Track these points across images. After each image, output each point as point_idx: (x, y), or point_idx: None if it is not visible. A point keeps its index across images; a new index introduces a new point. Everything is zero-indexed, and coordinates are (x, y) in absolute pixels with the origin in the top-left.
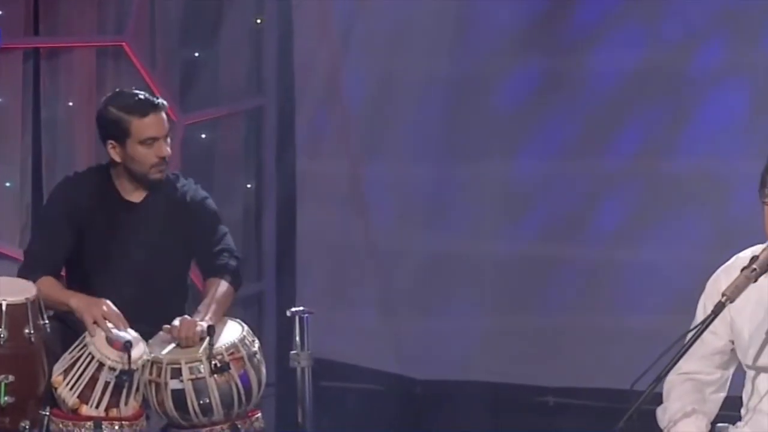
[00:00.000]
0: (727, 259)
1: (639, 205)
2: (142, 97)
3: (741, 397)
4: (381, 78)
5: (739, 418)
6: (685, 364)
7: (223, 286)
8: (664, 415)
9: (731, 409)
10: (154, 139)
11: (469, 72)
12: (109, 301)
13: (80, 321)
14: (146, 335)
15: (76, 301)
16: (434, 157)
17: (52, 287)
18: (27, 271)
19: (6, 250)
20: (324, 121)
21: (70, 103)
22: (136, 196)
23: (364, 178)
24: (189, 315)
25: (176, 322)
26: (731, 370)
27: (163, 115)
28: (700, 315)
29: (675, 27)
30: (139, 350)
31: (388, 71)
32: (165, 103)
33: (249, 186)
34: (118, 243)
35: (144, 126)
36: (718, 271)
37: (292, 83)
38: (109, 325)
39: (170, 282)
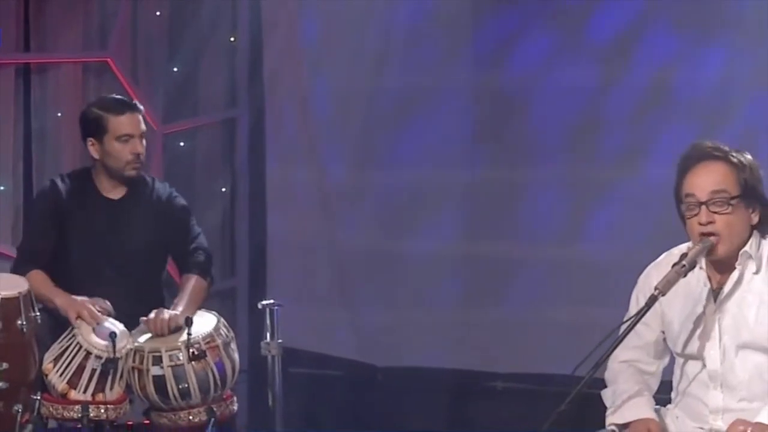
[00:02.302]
0: (657, 257)
1: (572, 210)
2: (119, 98)
3: (671, 382)
4: (343, 90)
5: (670, 401)
6: (623, 354)
7: (198, 281)
8: (613, 395)
9: (662, 392)
10: (129, 136)
11: (421, 83)
12: (88, 300)
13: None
14: (126, 325)
15: (60, 300)
16: (396, 163)
17: (40, 283)
18: (19, 266)
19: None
20: (292, 130)
21: (59, 114)
22: (115, 194)
23: (328, 183)
24: (166, 306)
25: (151, 315)
26: (666, 360)
27: (139, 116)
28: (633, 307)
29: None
30: (123, 340)
31: (350, 84)
32: (141, 107)
33: (224, 190)
34: (98, 238)
35: (120, 123)
36: (649, 267)
37: (263, 96)
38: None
39: (148, 275)
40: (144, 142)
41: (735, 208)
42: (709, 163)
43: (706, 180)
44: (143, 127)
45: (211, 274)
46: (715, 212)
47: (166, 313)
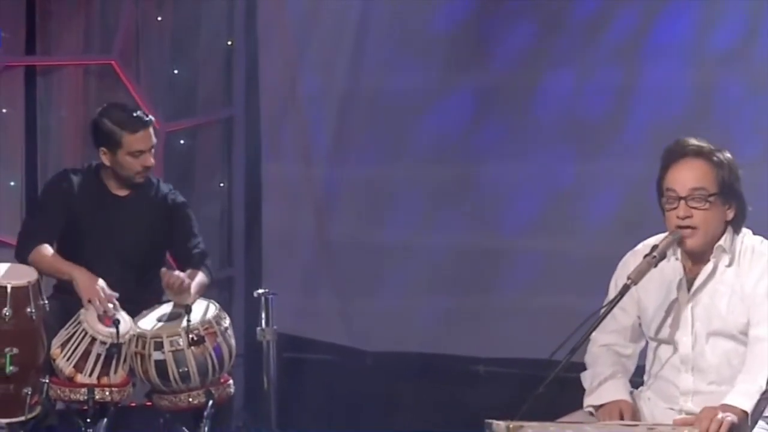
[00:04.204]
0: (633, 246)
1: (552, 202)
2: (134, 114)
3: (644, 366)
4: (334, 92)
5: (643, 384)
6: (601, 337)
7: (201, 276)
8: (591, 377)
9: (635, 375)
10: (141, 152)
11: (414, 83)
12: (104, 282)
13: (76, 297)
14: (129, 312)
15: (79, 274)
16: (386, 159)
17: (53, 256)
18: (26, 240)
19: (9, 239)
20: (285, 129)
21: (62, 114)
22: (122, 191)
23: (319, 179)
24: (165, 299)
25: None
26: (642, 344)
27: (151, 130)
28: (612, 292)
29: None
30: (126, 326)
31: (341, 86)
32: (153, 119)
33: (222, 185)
34: (105, 231)
35: (135, 140)
36: (627, 255)
37: (258, 97)
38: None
39: (150, 266)
40: (153, 151)
41: (712, 205)
42: (690, 160)
43: (687, 176)
44: (154, 140)
45: (213, 276)
46: (693, 207)
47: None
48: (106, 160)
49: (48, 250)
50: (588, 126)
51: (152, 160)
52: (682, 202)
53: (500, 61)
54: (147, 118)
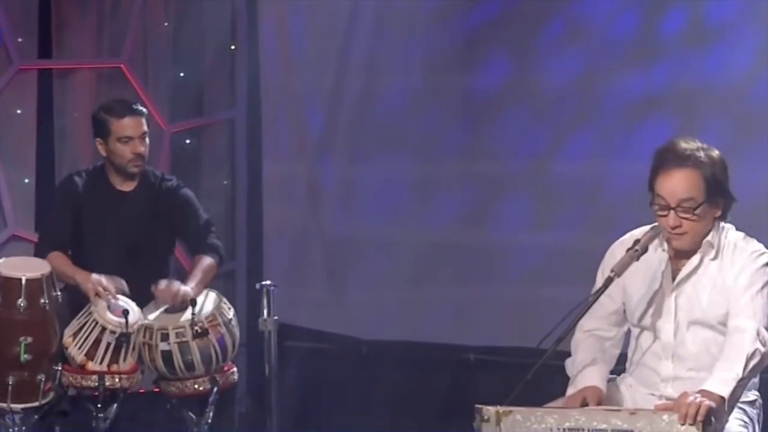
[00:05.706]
0: (617, 238)
1: (535, 199)
2: (123, 101)
3: (627, 353)
4: (332, 93)
5: (625, 371)
6: (587, 323)
7: (209, 260)
8: (572, 365)
9: (618, 363)
10: (130, 138)
11: (408, 84)
12: (105, 277)
13: (84, 293)
14: (136, 303)
15: (81, 277)
16: (377, 157)
17: (62, 263)
18: (40, 248)
19: (24, 234)
20: (285, 129)
21: (76, 114)
22: (127, 187)
23: (318, 177)
24: None
25: (162, 284)
26: (625, 328)
27: (141, 119)
28: (599, 280)
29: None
30: (135, 317)
31: (338, 88)
32: (143, 110)
33: (225, 183)
34: (111, 225)
35: (121, 126)
36: (614, 244)
37: (259, 98)
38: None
39: (156, 258)
40: (146, 141)
41: (701, 214)
42: (679, 169)
43: (676, 187)
44: (145, 128)
45: (223, 256)
46: (683, 217)
47: (177, 285)
48: (102, 150)
49: (58, 257)
50: (582, 123)
51: (143, 148)
52: (672, 212)
53: (492, 59)
54: (136, 107)
